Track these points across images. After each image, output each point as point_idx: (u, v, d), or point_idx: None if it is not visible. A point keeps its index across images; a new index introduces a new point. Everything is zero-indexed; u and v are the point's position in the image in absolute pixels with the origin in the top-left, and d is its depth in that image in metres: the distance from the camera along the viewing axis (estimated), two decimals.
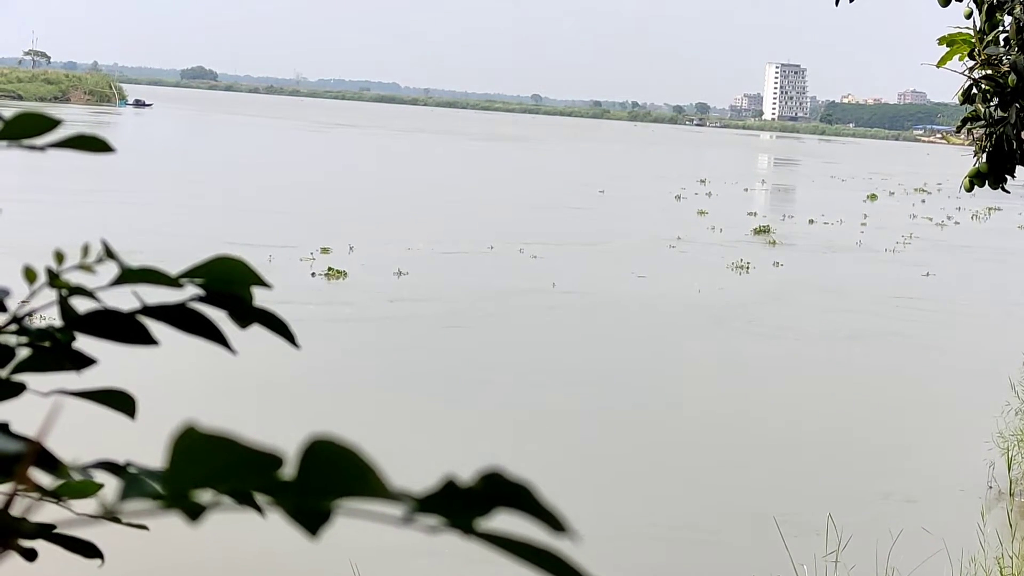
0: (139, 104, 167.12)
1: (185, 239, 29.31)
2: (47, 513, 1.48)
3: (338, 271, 27.22)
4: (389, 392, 17.58)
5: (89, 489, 1.57)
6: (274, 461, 0.76)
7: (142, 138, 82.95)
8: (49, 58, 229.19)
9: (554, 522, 0.76)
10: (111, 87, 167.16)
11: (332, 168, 65.52)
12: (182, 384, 15.94)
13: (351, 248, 31.24)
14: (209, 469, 0.76)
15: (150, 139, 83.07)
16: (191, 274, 1.25)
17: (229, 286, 1.27)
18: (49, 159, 50.65)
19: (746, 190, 70.14)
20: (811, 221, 50.80)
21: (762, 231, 43.99)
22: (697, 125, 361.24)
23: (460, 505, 0.76)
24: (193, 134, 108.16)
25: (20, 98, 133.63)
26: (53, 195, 39.77)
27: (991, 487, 14.97)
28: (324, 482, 0.76)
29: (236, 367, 17.22)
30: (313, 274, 26.70)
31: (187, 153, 73.74)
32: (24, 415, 1.33)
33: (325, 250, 30.38)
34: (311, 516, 0.78)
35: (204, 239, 29.51)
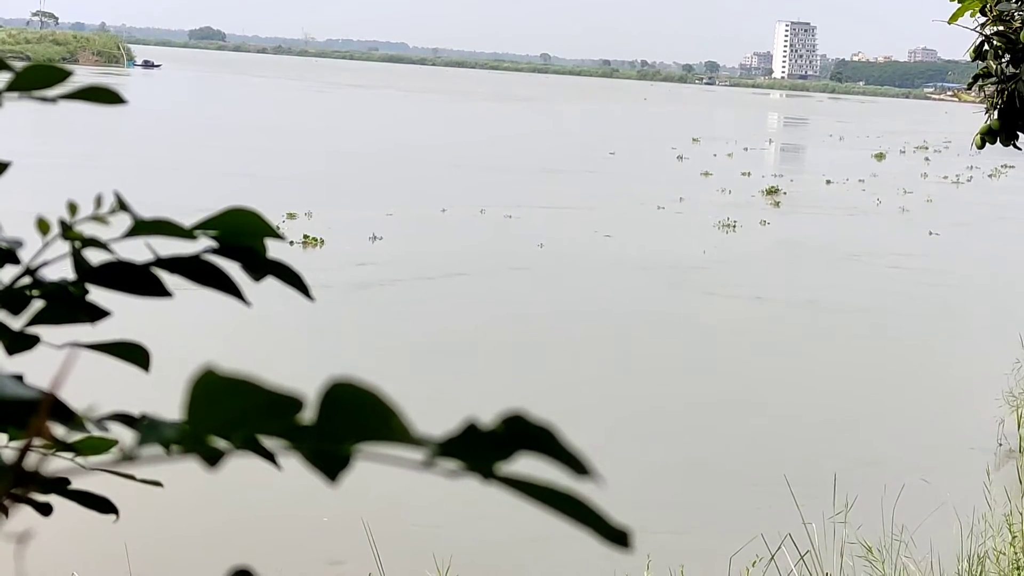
0: (148, 65, 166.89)
1: (157, 208, 28.67)
2: (62, 468, 1.48)
3: (314, 239, 26.50)
4: (374, 358, 17.50)
5: (104, 445, 1.57)
6: (294, 404, 0.75)
7: (148, 100, 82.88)
8: (57, 19, 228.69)
9: (577, 465, 0.75)
10: (119, 48, 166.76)
11: (329, 131, 64.54)
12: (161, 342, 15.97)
13: (322, 215, 30.35)
14: (229, 412, 0.75)
15: (155, 101, 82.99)
16: (204, 226, 1.24)
17: (242, 238, 1.26)
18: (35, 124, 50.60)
19: (746, 149, 69.49)
20: (828, 182, 50.55)
21: (772, 191, 43.80)
22: (707, 84, 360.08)
23: (482, 449, 0.75)
24: (199, 96, 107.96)
25: (28, 59, 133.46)
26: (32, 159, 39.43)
27: (1001, 444, 14.97)
28: (344, 426, 0.75)
29: (223, 336, 17.24)
30: (291, 243, 25.84)
31: (194, 115, 73.63)
32: (39, 368, 1.33)
33: (291, 215, 29.50)
34: (330, 461, 0.77)
35: (184, 207, 28.99)
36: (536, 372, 17.28)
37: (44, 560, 8.73)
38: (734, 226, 34.28)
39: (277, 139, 55.35)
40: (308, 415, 0.76)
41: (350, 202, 34.14)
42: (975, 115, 8.04)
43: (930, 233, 35.89)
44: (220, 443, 0.78)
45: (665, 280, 25.31)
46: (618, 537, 0.76)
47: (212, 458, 0.79)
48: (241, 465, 1.03)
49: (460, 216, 33.14)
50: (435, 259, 25.93)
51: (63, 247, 1.26)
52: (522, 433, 0.74)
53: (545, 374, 17.17)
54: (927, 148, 79.58)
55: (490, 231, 30.91)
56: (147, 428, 0.79)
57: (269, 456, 0.83)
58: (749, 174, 51.61)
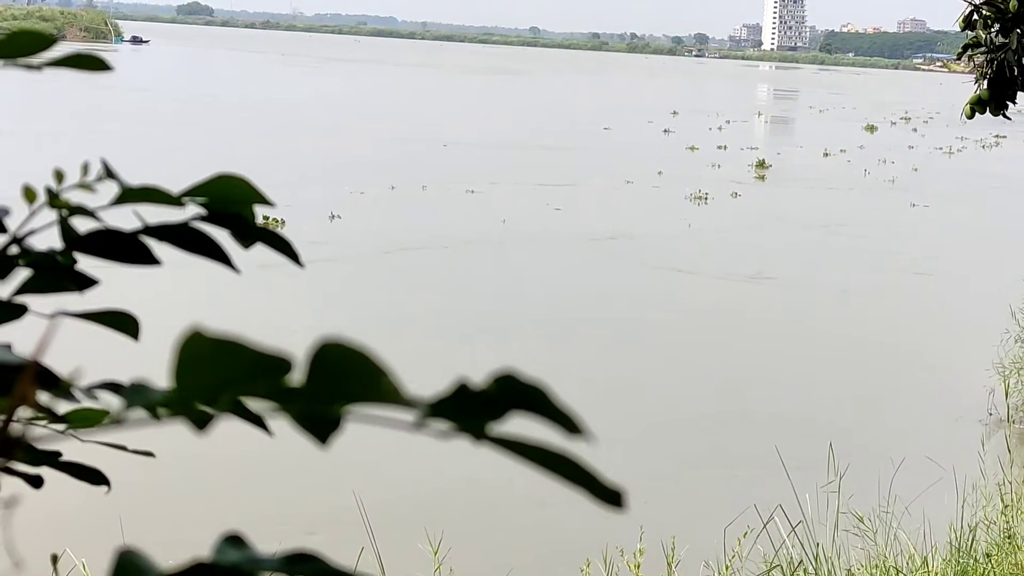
0: (136, 41, 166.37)
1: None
2: (52, 439, 1.47)
3: (275, 219, 25.14)
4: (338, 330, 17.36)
5: (96, 416, 1.56)
6: (283, 365, 0.75)
7: (135, 76, 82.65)
8: None
9: (570, 424, 0.74)
10: (107, 24, 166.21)
11: (313, 107, 63.46)
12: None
13: (310, 195, 30.07)
14: (217, 374, 0.74)
15: (142, 78, 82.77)
16: (192, 193, 1.23)
17: (231, 205, 1.25)
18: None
19: (729, 122, 68.81)
20: (826, 154, 50.42)
21: (760, 165, 43.62)
22: (696, 56, 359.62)
23: (473, 409, 0.74)
24: (186, 72, 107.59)
25: None
26: None
27: (991, 414, 15.01)
28: (334, 387, 0.74)
29: (178, 308, 17.12)
30: None
31: (178, 92, 73.34)
32: (27, 338, 1.32)
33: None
34: (320, 423, 0.76)
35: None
36: (511, 347, 17.27)
37: (35, 537, 8.72)
38: (706, 198, 34.19)
39: (255, 117, 54.85)
40: (297, 377, 0.75)
41: (324, 181, 33.65)
42: (965, 85, 8.02)
43: (912, 205, 35.88)
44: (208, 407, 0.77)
45: (636, 257, 25.21)
46: (611, 497, 0.76)
47: (200, 422, 0.78)
48: (233, 435, 1.02)
49: (426, 193, 32.85)
50: (396, 236, 25.74)
51: (50, 215, 1.25)
52: (514, 392, 0.74)
53: (520, 349, 17.15)
54: (919, 119, 79.53)
55: (454, 208, 30.65)
56: (133, 392, 0.78)
57: (257, 421, 0.83)
58: (727, 147, 51.17)
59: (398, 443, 11.06)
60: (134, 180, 1.24)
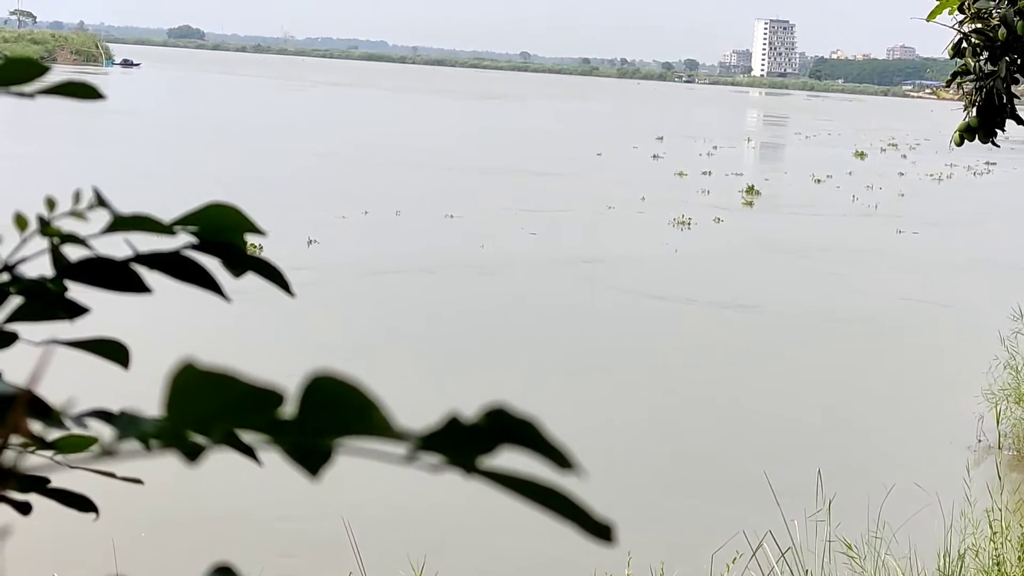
0: (127, 64, 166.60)
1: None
2: (42, 466, 1.47)
3: (254, 244, 25.32)
4: (313, 358, 17.39)
5: (84, 443, 1.56)
6: (275, 398, 0.75)
7: (126, 99, 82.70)
8: (35, 18, 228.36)
9: (560, 459, 0.75)
10: (98, 47, 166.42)
11: (300, 132, 62.97)
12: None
13: (308, 216, 30.19)
14: (209, 406, 0.74)
15: (132, 101, 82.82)
16: (184, 221, 1.23)
17: (223, 233, 1.25)
18: None
19: (716, 148, 68.62)
20: (817, 180, 50.44)
21: (750, 191, 43.57)
22: (687, 82, 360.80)
23: (464, 442, 0.74)
24: (176, 96, 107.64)
25: (5, 58, 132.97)
26: None
27: (980, 441, 15.01)
28: (326, 420, 0.75)
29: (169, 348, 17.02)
30: None
31: (167, 116, 73.34)
32: (16, 366, 1.32)
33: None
34: (312, 455, 0.76)
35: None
36: (486, 372, 17.26)
37: (26, 560, 8.70)
38: (689, 224, 34.18)
39: (240, 141, 54.64)
40: (289, 409, 0.75)
41: (304, 205, 33.41)
42: (954, 112, 8.06)
43: (899, 231, 35.92)
44: (199, 438, 0.78)
45: (610, 282, 25.15)
46: (601, 531, 0.76)
47: (192, 453, 0.79)
48: (222, 461, 1.02)
49: (408, 218, 32.67)
50: (374, 260, 25.66)
51: (41, 243, 1.25)
52: (505, 426, 0.74)
53: (496, 374, 17.13)
54: (908, 146, 79.71)
55: (434, 232, 30.51)
56: (126, 423, 0.78)
57: (249, 451, 0.83)
58: (713, 173, 50.93)
59: (383, 468, 11.04)
60: (123, 205, 1.24)
